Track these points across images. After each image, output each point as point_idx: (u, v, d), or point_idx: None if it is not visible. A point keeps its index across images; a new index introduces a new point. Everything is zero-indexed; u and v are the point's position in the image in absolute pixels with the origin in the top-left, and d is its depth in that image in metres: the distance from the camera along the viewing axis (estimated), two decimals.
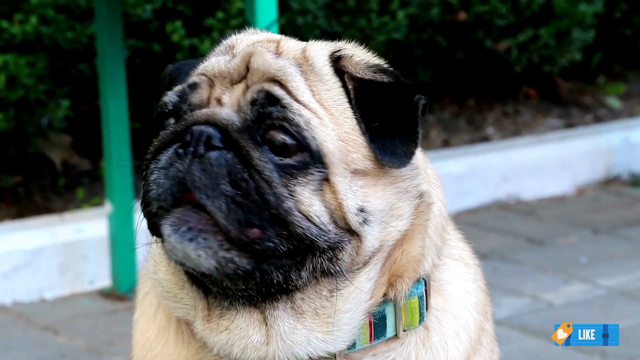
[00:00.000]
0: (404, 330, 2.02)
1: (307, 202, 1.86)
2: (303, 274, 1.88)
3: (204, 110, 1.91)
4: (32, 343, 4.18)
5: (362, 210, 1.91)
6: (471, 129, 6.46)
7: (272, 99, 1.89)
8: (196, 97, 1.93)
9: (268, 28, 3.64)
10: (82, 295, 4.62)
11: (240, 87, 1.93)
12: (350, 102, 1.94)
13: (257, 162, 1.85)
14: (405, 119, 1.93)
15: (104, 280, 4.67)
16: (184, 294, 1.99)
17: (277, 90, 1.90)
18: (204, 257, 1.83)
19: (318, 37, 6.49)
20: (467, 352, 2.09)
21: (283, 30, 5.26)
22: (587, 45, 6.74)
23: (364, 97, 1.94)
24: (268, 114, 1.88)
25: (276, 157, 1.86)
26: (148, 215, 1.89)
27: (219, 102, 1.92)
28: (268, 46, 2.00)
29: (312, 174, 1.88)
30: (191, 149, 1.84)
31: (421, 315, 2.03)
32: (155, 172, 1.87)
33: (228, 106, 1.91)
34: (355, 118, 1.94)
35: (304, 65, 1.96)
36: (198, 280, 1.94)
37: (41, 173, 5.31)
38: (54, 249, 4.64)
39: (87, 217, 4.85)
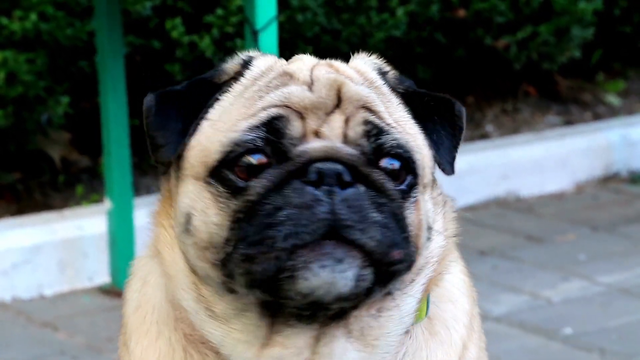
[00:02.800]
0: (413, 325, 2.04)
1: (410, 224, 1.89)
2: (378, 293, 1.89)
3: (318, 145, 1.85)
4: (31, 340, 4.19)
5: (429, 227, 1.95)
6: (470, 126, 6.46)
7: (378, 129, 1.89)
8: (294, 131, 1.86)
9: (268, 25, 3.64)
10: (81, 292, 4.63)
11: (337, 117, 1.89)
12: (414, 118, 1.97)
13: (391, 191, 1.86)
14: (456, 129, 2.01)
15: (104, 277, 4.68)
16: (240, 323, 1.94)
17: (376, 119, 1.90)
18: (345, 285, 1.80)
19: (318, 35, 6.51)
20: (464, 336, 2.11)
21: (282, 28, 5.26)
22: (586, 43, 6.74)
23: (422, 110, 1.98)
24: (382, 144, 1.88)
25: (393, 183, 1.88)
26: (260, 255, 1.81)
27: (317, 134, 1.87)
28: (335, 72, 1.97)
29: (413, 197, 1.91)
30: (325, 188, 1.80)
31: (427, 308, 2.06)
32: (286, 207, 1.79)
33: (334, 139, 1.87)
34: (421, 132, 1.96)
35: (372, 88, 1.96)
36: (274, 311, 1.90)
37: (41, 170, 5.32)
38: (54, 245, 4.64)
39: (86, 214, 4.85)
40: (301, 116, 1.87)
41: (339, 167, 1.81)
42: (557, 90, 7.01)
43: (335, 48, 5.69)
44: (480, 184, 5.72)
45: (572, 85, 7.07)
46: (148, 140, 1.95)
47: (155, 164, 1.99)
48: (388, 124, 1.90)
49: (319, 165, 1.81)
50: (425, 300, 2.04)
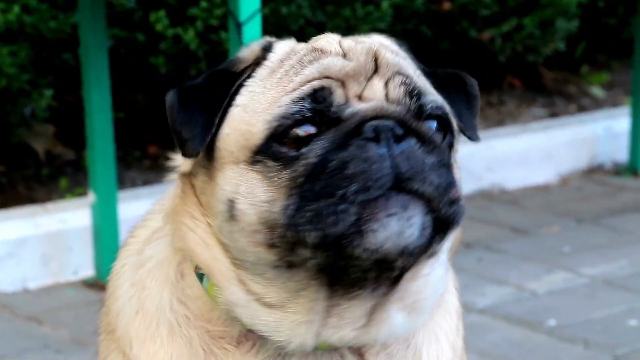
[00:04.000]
0: None
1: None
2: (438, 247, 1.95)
3: (367, 106, 1.90)
4: (15, 333, 4.17)
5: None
6: None
7: (418, 89, 1.95)
8: (339, 98, 1.91)
9: (251, 18, 3.63)
10: (65, 285, 4.62)
11: (376, 82, 1.94)
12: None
13: (439, 143, 1.92)
14: (471, 98, 2.12)
15: (88, 271, 4.67)
16: (294, 304, 1.93)
17: (414, 82, 1.96)
18: (411, 235, 1.84)
19: (302, 27, 6.47)
20: (454, 325, 2.16)
21: (266, 20, 5.26)
22: (571, 35, 6.75)
23: (438, 82, 2.05)
24: (424, 104, 1.94)
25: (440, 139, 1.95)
26: (327, 215, 1.82)
27: (361, 98, 1.92)
28: (387, 44, 2.05)
29: (453, 156, 2.00)
30: (385, 143, 1.84)
31: None
32: (351, 163, 1.83)
33: (378, 100, 1.92)
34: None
35: (398, 56, 2.02)
36: (331, 274, 1.90)
37: (24, 163, 5.30)
38: (38, 239, 4.63)
39: (70, 207, 4.83)
40: (342, 84, 1.92)
41: (390, 123, 1.86)
42: (542, 83, 7.03)
43: None
44: (465, 176, 5.69)
45: (557, 78, 7.09)
46: (175, 137, 1.97)
47: (184, 157, 1.99)
48: (424, 88, 1.98)
49: (373, 122, 1.86)
50: None
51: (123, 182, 5.28)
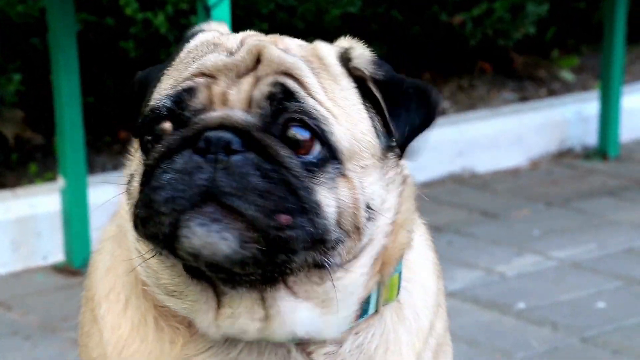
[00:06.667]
0: (383, 305, 2.06)
1: (325, 198, 1.87)
2: (295, 265, 1.89)
3: (215, 114, 1.87)
4: None
5: (368, 207, 1.93)
6: None
7: (288, 93, 1.87)
8: (197, 102, 1.89)
9: (220, 1, 3.62)
10: (35, 270, 4.60)
11: (248, 80, 1.89)
12: (364, 102, 1.96)
13: (285, 159, 1.84)
14: (428, 120, 2.00)
15: (58, 256, 4.65)
16: (189, 292, 1.96)
17: (293, 84, 1.88)
18: (226, 248, 1.80)
19: (273, 12, 6.43)
20: (432, 318, 2.14)
21: (236, 4, 5.24)
22: (541, 19, 6.77)
23: (389, 98, 1.96)
24: (285, 109, 1.86)
25: (297, 154, 1.85)
26: (157, 223, 1.84)
27: (224, 97, 1.88)
28: (271, 42, 1.97)
29: (329, 172, 1.88)
30: (211, 156, 1.82)
31: (398, 290, 2.08)
32: (169, 173, 1.83)
33: (237, 103, 1.87)
34: (369, 117, 1.95)
35: (315, 63, 1.95)
36: (201, 274, 1.92)
37: None
38: (7, 224, 4.61)
39: (40, 192, 4.81)
40: (213, 81, 1.90)
41: (228, 135, 1.82)
42: (513, 67, 7.05)
43: (291, 25, 5.67)
44: (436, 160, 5.75)
45: (527, 62, 7.11)
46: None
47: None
48: (311, 96, 1.89)
49: (210, 133, 1.83)
50: (397, 282, 2.06)
51: (93, 167, 5.25)
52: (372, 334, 2.05)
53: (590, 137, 6.33)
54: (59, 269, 4.59)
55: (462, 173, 5.88)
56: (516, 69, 7.06)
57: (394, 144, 1.98)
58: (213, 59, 1.91)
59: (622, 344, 3.94)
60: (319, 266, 1.91)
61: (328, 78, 1.94)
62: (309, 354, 2.02)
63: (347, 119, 1.92)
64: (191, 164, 1.82)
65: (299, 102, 1.86)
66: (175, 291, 1.98)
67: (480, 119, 6.17)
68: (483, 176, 5.89)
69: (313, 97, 1.88)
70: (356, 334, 2.04)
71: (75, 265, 4.52)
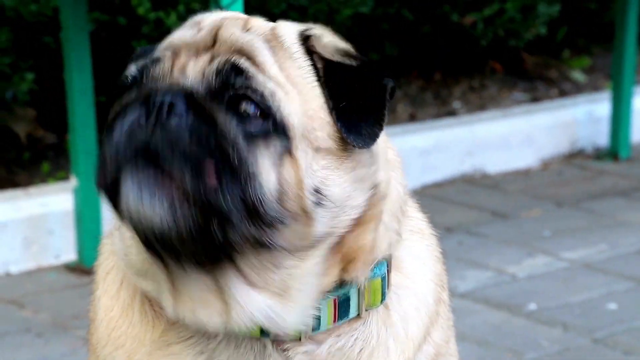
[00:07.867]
0: (366, 310, 2.04)
1: (266, 172, 1.88)
2: (232, 237, 1.89)
3: (168, 80, 1.94)
4: None
5: (317, 191, 1.92)
6: (437, 103, 6.48)
7: (237, 70, 1.92)
8: (158, 69, 1.96)
9: (233, 1, 3.63)
10: (47, 269, 4.62)
11: (206, 57, 1.95)
12: (319, 81, 1.96)
13: (223, 126, 1.87)
14: (373, 102, 1.96)
15: (70, 255, 4.67)
16: (153, 270, 1.98)
17: (244, 62, 1.92)
18: (159, 211, 1.84)
19: (284, 11, 6.44)
20: (427, 326, 2.11)
21: (248, 4, 5.25)
22: (552, 20, 6.77)
23: (333, 77, 1.96)
24: (232, 84, 1.90)
25: (239, 124, 1.88)
26: (104, 177, 1.91)
27: (183, 70, 1.95)
28: (236, 22, 2.01)
29: (274, 146, 1.89)
30: (153, 115, 1.87)
31: (383, 295, 2.05)
32: (117, 130, 1.89)
33: (192, 74, 1.93)
34: (324, 96, 1.95)
35: (273, 41, 1.97)
36: (154, 249, 1.94)
37: (6, 147, 5.28)
38: (19, 223, 4.63)
39: (52, 191, 4.83)
40: (177, 55, 1.97)
41: (173, 98, 1.89)
42: (523, 67, 7.05)
43: None
44: (447, 160, 5.75)
45: (538, 62, 7.11)
46: None
47: None
48: (263, 73, 1.92)
49: (157, 96, 1.89)
50: (379, 286, 2.04)
51: None
52: (355, 337, 2.04)
53: (601, 137, 6.33)
54: (70, 267, 4.61)
55: (472, 173, 5.88)
56: (527, 69, 7.06)
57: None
58: (180, 35, 2.00)
59: (633, 344, 3.94)
60: (265, 246, 1.90)
61: (284, 56, 1.96)
62: (284, 350, 2.02)
63: (300, 95, 1.93)
64: (135, 124, 1.88)
65: (246, 79, 1.91)
66: (141, 269, 2.01)
67: (491, 119, 6.17)
68: (494, 176, 5.89)
69: (264, 74, 1.92)
70: (337, 336, 2.03)
71: (87, 264, 4.54)
